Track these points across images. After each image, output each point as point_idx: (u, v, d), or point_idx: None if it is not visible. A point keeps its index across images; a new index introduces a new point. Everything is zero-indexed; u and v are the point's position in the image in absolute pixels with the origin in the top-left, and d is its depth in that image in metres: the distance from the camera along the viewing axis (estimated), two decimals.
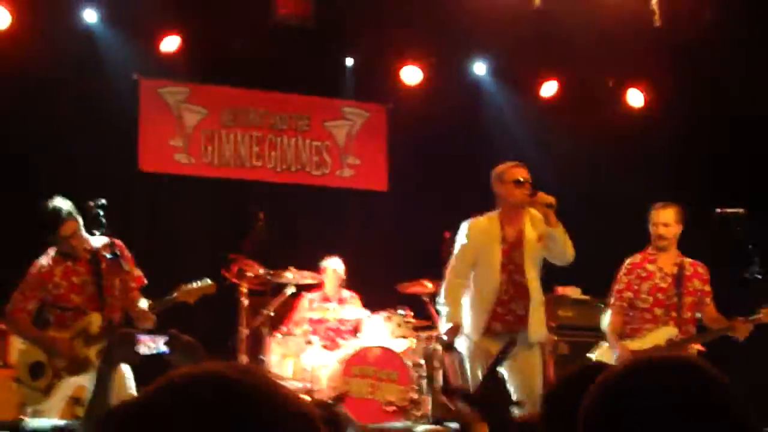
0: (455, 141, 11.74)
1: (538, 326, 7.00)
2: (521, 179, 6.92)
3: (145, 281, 7.02)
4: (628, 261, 7.66)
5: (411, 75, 11.42)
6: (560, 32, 10.72)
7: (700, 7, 10.58)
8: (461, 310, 6.99)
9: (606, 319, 7.61)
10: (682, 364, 1.59)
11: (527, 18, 10.67)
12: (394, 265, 10.65)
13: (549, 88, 11.85)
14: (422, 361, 8.99)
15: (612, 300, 7.61)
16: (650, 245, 7.62)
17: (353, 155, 11.68)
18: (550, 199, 6.80)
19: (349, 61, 11.41)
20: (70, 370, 6.70)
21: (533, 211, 6.99)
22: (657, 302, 7.42)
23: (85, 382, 6.75)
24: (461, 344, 6.97)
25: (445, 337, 7.02)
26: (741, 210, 7.61)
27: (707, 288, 7.51)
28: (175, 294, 6.92)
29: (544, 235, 6.93)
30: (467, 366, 6.94)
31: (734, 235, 7.49)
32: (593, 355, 7.65)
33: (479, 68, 11.90)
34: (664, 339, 7.28)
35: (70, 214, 6.68)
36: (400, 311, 9.36)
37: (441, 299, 7.14)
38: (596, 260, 9.69)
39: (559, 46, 11.06)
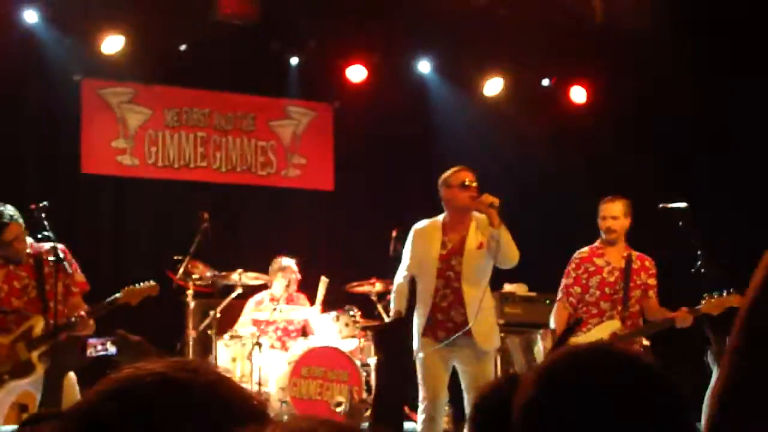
0: (401, 139, 11.74)
1: (485, 335, 6.98)
2: (466, 182, 6.95)
3: (88, 287, 6.95)
4: (576, 255, 7.70)
5: (356, 73, 11.39)
6: (504, 30, 10.77)
7: (641, 3, 10.67)
8: (404, 302, 6.97)
9: (553, 314, 7.66)
10: (613, 356, 1.60)
11: (471, 16, 10.72)
12: (342, 265, 10.63)
13: (493, 86, 11.89)
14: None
15: (559, 295, 7.65)
16: (599, 239, 7.67)
17: (299, 155, 11.63)
18: (492, 199, 6.81)
19: (294, 60, 11.35)
20: (12, 374, 6.62)
21: (481, 217, 6.98)
22: (604, 296, 7.46)
23: (30, 387, 6.67)
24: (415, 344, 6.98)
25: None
26: (684, 205, 7.69)
27: (651, 281, 7.55)
28: (117, 295, 6.86)
29: (487, 239, 6.90)
30: (418, 368, 6.95)
31: (678, 229, 7.56)
32: (538, 347, 7.68)
33: (424, 66, 11.90)
34: (608, 333, 7.33)
35: (12, 218, 6.59)
36: (348, 311, 9.34)
37: (391, 298, 7.20)
38: (542, 257, 9.75)
39: (503, 43, 11.10)
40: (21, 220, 6.65)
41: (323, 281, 9.55)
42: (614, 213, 7.53)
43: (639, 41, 10.66)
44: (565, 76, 12.05)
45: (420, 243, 7.06)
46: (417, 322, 6.96)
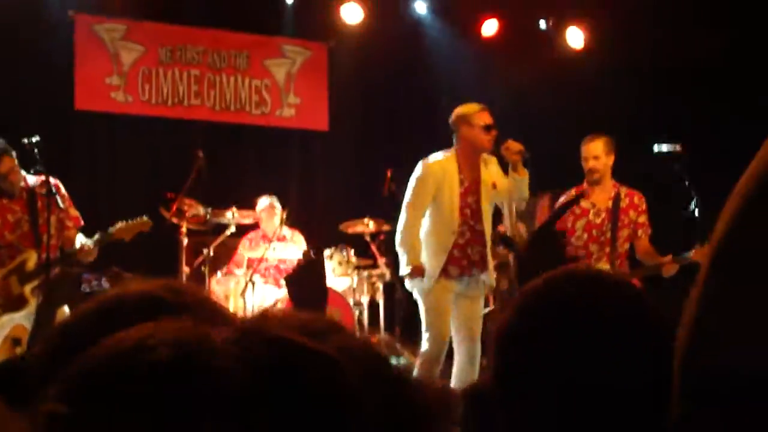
0: (396, 80, 11.70)
1: (491, 272, 7.04)
2: (489, 124, 6.92)
3: (82, 222, 6.96)
4: (562, 198, 7.65)
5: (351, 13, 11.30)
6: None
7: None
8: (420, 252, 6.90)
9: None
10: (589, 276, 1.59)
11: None
12: (336, 205, 10.65)
13: (489, 27, 11.81)
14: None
15: None
16: (584, 181, 7.61)
17: (294, 94, 11.58)
18: (520, 147, 6.81)
19: None
20: (4, 308, 6.65)
21: (485, 155, 6.98)
22: (591, 238, 7.38)
23: (22, 320, 6.70)
24: (418, 283, 6.90)
25: (407, 281, 6.96)
26: (678, 147, 7.65)
27: (641, 219, 7.42)
28: (110, 230, 6.85)
29: (501, 181, 6.94)
30: (421, 304, 6.93)
31: (672, 172, 7.53)
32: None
33: (420, 6, 11.82)
34: None
35: (6, 150, 6.58)
36: (342, 250, 9.36)
37: (398, 241, 7.00)
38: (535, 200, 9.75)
39: None
40: (14, 153, 6.64)
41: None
42: (595, 152, 7.38)
43: None
44: (562, 18, 11.97)
45: (438, 178, 6.90)
46: (434, 259, 6.86)
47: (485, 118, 6.95)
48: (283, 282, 9.36)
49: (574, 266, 1.82)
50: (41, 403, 0.86)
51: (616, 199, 7.43)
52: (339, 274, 9.26)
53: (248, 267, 9.40)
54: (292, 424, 0.83)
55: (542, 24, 12.07)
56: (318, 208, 10.85)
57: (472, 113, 6.98)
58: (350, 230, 9.65)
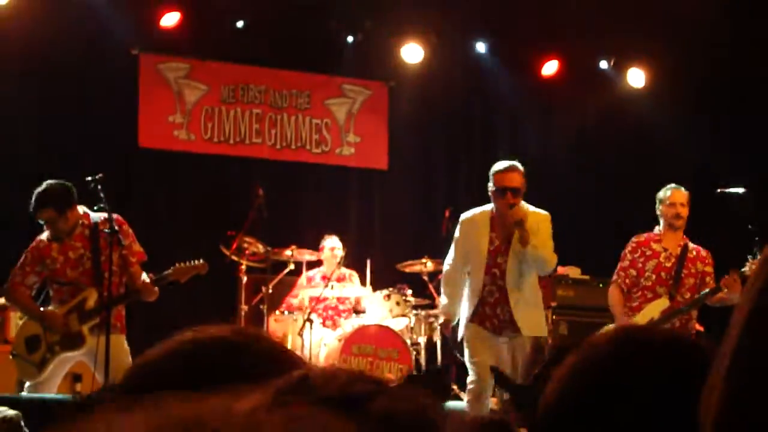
0: (456, 120, 11.72)
1: (532, 328, 6.85)
2: (504, 187, 6.77)
3: (146, 257, 7.01)
4: (633, 239, 7.68)
5: (412, 53, 11.36)
6: (561, 10, 10.66)
7: None
8: (457, 304, 7.00)
9: (610, 295, 7.64)
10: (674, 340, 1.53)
11: None
12: (394, 244, 10.65)
13: (549, 67, 11.80)
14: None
15: (614, 276, 7.62)
16: (658, 227, 7.62)
17: (353, 133, 11.63)
18: (518, 217, 6.67)
19: (350, 39, 11.35)
20: (63, 345, 6.71)
21: (528, 212, 6.84)
22: (659, 280, 7.45)
23: (84, 357, 6.76)
24: (461, 329, 6.96)
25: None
26: (742, 190, 7.58)
27: (709, 269, 7.52)
28: (168, 272, 6.91)
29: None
30: (465, 349, 6.92)
31: (736, 214, 7.47)
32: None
33: (480, 46, 11.84)
34: (658, 311, 7.31)
35: (45, 203, 6.63)
36: (399, 290, 9.35)
37: (441, 290, 7.22)
38: (596, 240, 9.70)
39: (560, 24, 11.00)
40: (57, 203, 6.67)
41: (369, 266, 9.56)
42: (684, 200, 7.49)
43: (700, 24, 10.50)
44: (623, 58, 11.93)
45: (469, 235, 6.96)
46: (465, 309, 6.93)
47: (502, 180, 6.79)
48: (340, 321, 9.37)
49: (622, 329, 1.74)
50: None
51: (685, 247, 7.50)
52: (396, 314, 9.23)
53: (307, 304, 9.42)
54: None
55: (602, 64, 12.01)
56: (376, 247, 10.85)
57: (493, 173, 6.89)
58: (408, 269, 9.64)
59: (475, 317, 6.87)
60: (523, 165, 10.57)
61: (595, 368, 1.47)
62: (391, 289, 9.36)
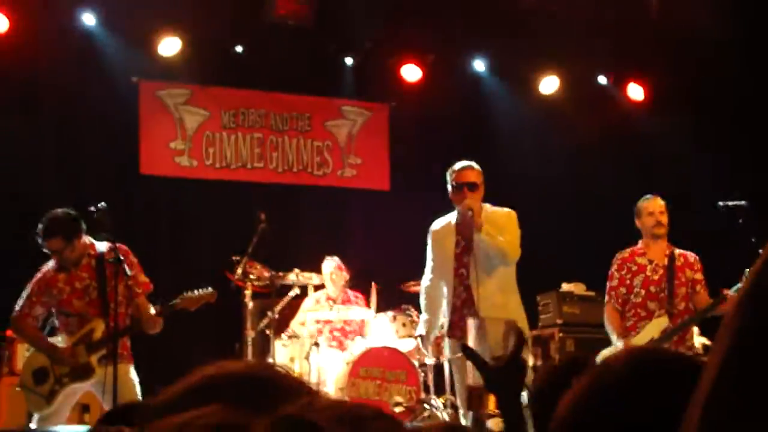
0: (456, 139, 11.72)
1: (494, 308, 6.77)
2: (460, 183, 6.99)
3: (152, 287, 7.01)
4: (618, 256, 7.67)
5: (411, 73, 11.40)
6: (559, 27, 10.70)
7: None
8: (436, 317, 7.15)
9: (606, 317, 7.61)
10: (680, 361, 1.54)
11: (525, 14, 10.67)
12: (398, 265, 10.62)
13: (549, 84, 11.83)
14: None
15: (607, 297, 7.61)
16: (640, 240, 7.62)
17: (354, 155, 11.65)
18: (468, 205, 6.83)
19: (349, 61, 11.38)
20: (72, 377, 6.71)
21: (489, 212, 6.97)
22: (649, 295, 7.43)
23: (92, 388, 6.76)
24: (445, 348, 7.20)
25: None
26: (743, 203, 7.59)
27: (698, 276, 7.50)
28: (176, 301, 6.92)
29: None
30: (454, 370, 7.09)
31: (737, 228, 7.46)
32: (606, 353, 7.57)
33: (479, 65, 11.87)
34: (658, 331, 7.28)
35: (54, 232, 6.65)
36: (405, 311, 9.33)
37: (420, 302, 7.37)
38: (600, 255, 9.66)
39: (559, 41, 11.03)
40: (64, 232, 6.69)
41: (375, 288, 9.55)
42: (662, 208, 7.54)
43: (697, 37, 10.53)
44: (623, 73, 11.96)
45: (437, 244, 7.14)
46: (445, 325, 7.05)
47: (459, 177, 7.04)
48: (347, 344, 9.35)
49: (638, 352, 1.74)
50: None
51: (672, 256, 7.48)
52: (403, 335, 9.22)
53: (314, 326, 9.42)
54: None
55: (601, 80, 12.05)
56: (380, 268, 10.84)
57: (450, 172, 7.14)
58: (413, 290, 9.60)
59: (453, 331, 6.94)
60: (523, 182, 10.62)
61: (611, 390, 1.48)
62: (396, 310, 9.35)
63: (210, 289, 7.07)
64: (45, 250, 6.75)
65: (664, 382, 1.46)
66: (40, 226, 6.69)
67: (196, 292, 6.99)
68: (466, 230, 6.98)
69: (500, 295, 6.92)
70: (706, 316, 7.36)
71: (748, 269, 6.97)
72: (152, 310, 6.80)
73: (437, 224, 7.24)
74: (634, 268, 7.52)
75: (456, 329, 6.91)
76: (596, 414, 1.46)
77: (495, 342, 6.69)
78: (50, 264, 6.87)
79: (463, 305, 6.90)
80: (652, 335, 7.25)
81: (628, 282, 7.50)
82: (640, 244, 7.63)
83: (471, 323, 6.35)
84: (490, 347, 6.75)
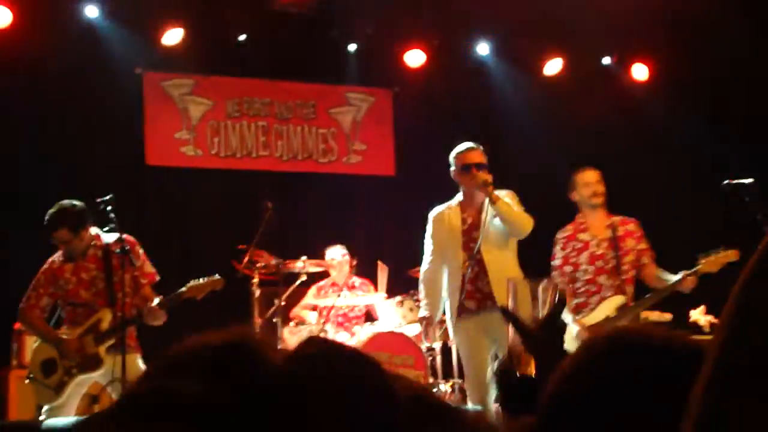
0: (461, 122, 11.70)
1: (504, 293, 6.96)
2: (467, 164, 7.10)
3: (157, 277, 7.04)
4: (559, 235, 7.66)
5: (414, 58, 11.39)
6: (562, 9, 10.66)
7: None
8: (439, 301, 7.21)
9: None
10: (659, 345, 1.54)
11: None
12: (405, 250, 10.63)
13: (553, 66, 11.81)
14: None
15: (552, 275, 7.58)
16: (578, 215, 7.64)
17: (359, 141, 11.66)
18: (485, 178, 6.93)
19: (352, 47, 11.38)
20: (80, 368, 6.74)
21: (498, 193, 7.07)
22: (598, 271, 7.43)
23: (100, 378, 6.79)
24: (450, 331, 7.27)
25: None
26: (750, 180, 7.57)
27: (642, 245, 7.53)
28: (183, 290, 6.94)
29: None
30: (455, 345, 7.13)
31: (744, 206, 7.44)
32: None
33: (482, 49, 11.85)
34: (614, 308, 7.28)
35: (61, 223, 6.70)
36: (412, 296, 9.34)
37: (420, 291, 7.45)
38: None
39: (562, 23, 11.00)
40: (72, 223, 6.73)
41: (382, 268, 9.57)
42: (597, 177, 7.57)
43: (701, 16, 10.48)
44: (626, 54, 11.94)
45: (441, 225, 7.24)
46: (452, 298, 7.10)
47: (465, 159, 7.16)
48: (354, 329, 9.38)
49: (622, 329, 1.74)
50: None
51: (613, 227, 7.50)
52: (410, 320, 9.23)
53: (319, 315, 9.45)
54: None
55: (605, 60, 12.02)
56: (387, 254, 10.85)
57: (456, 155, 7.26)
58: (420, 275, 9.62)
59: (461, 308, 7.01)
60: (529, 165, 10.61)
61: (590, 367, 1.49)
62: (403, 295, 9.37)
63: (217, 276, 7.09)
64: (52, 242, 6.79)
65: (643, 359, 1.47)
66: (47, 217, 6.73)
67: (202, 280, 7.01)
68: (473, 209, 7.13)
69: (509, 267, 7.05)
70: (662, 297, 7.38)
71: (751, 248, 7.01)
72: (155, 301, 6.81)
73: (437, 209, 7.36)
74: (579, 245, 7.52)
75: (472, 300, 7.01)
76: (577, 389, 1.47)
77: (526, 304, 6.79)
78: (57, 255, 6.91)
79: (476, 277, 7.01)
80: (606, 314, 7.26)
81: (573, 260, 7.51)
82: (579, 218, 7.62)
83: (510, 285, 6.38)
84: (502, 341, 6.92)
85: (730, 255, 7.08)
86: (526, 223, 7.00)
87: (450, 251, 7.13)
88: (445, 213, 7.25)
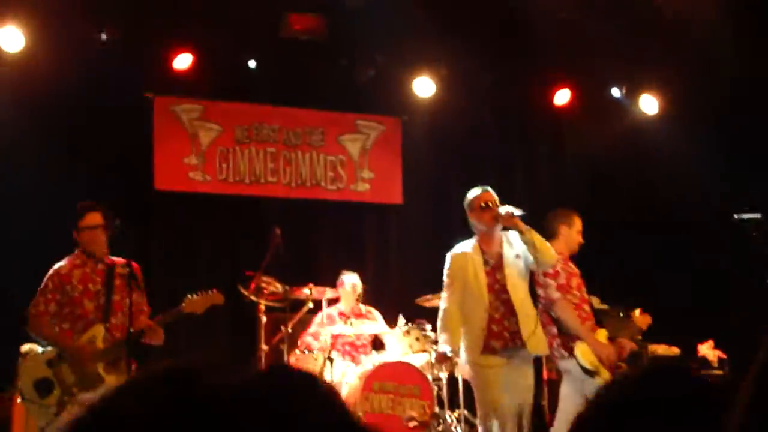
0: (469, 152, 11.73)
1: (535, 341, 7.15)
2: (487, 204, 7.20)
3: (150, 311, 7.09)
4: (561, 266, 7.68)
5: (424, 86, 11.41)
6: (570, 39, 10.67)
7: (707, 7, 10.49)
8: (458, 338, 7.20)
9: (567, 313, 7.61)
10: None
11: (537, 25, 10.65)
12: (412, 278, 10.63)
13: (562, 96, 11.83)
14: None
15: (558, 294, 7.55)
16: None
17: (368, 169, 11.65)
18: (511, 209, 7.04)
19: (362, 75, 11.40)
20: (81, 386, 6.65)
21: (506, 233, 7.23)
22: (583, 299, 7.66)
23: None
24: (464, 365, 7.32)
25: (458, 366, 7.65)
26: (759, 215, 7.55)
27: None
28: (182, 305, 6.92)
29: (523, 250, 7.14)
30: (473, 384, 7.21)
31: (752, 240, 7.43)
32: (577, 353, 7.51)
33: (491, 78, 11.85)
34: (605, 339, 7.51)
35: (95, 205, 6.77)
36: (419, 325, 9.31)
37: (439, 327, 7.38)
38: (614, 269, 9.65)
39: (570, 53, 11.02)
40: (106, 212, 6.81)
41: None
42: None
43: (710, 47, 10.48)
44: (635, 85, 11.95)
45: (463, 265, 7.27)
46: (473, 337, 7.14)
47: (481, 199, 7.27)
48: (361, 358, 9.35)
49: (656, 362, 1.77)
50: None
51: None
52: (417, 349, 9.20)
53: (325, 343, 9.42)
54: None
55: (614, 92, 12.04)
56: (394, 282, 10.85)
57: (471, 198, 7.35)
58: (427, 304, 9.59)
59: (486, 347, 7.09)
60: (537, 195, 10.63)
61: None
62: (410, 324, 9.34)
63: (215, 290, 7.08)
64: (77, 233, 6.79)
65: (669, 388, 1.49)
66: (80, 204, 6.77)
67: (199, 294, 7.00)
68: (492, 250, 7.25)
69: (529, 305, 7.25)
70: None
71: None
72: (156, 318, 6.86)
73: (458, 250, 7.39)
74: (570, 269, 7.67)
75: (498, 340, 7.10)
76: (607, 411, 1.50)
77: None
78: (63, 261, 6.91)
79: (503, 318, 7.12)
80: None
81: (565, 282, 7.62)
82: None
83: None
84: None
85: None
86: (552, 254, 7.14)
87: (475, 293, 7.18)
88: (468, 256, 7.29)
